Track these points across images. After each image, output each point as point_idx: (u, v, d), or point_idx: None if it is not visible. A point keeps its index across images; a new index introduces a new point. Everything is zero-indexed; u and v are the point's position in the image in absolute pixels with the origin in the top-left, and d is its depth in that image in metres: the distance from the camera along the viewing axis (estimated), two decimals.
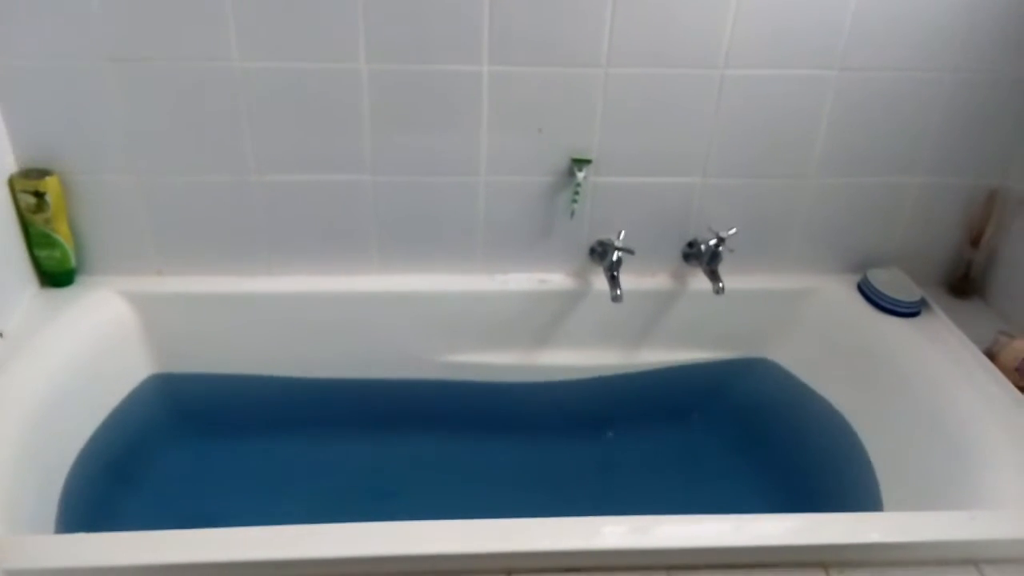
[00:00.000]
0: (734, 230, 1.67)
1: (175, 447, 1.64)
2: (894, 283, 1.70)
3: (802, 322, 1.76)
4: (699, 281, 1.72)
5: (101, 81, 1.46)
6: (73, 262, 1.60)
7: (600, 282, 1.71)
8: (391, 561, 1.10)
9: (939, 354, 1.55)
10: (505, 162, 1.61)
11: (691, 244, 1.73)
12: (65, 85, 1.46)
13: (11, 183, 1.50)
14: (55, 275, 1.60)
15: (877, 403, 1.59)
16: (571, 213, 1.66)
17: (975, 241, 1.74)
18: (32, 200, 1.49)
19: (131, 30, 1.42)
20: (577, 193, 1.62)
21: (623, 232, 1.66)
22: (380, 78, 1.50)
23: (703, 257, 1.69)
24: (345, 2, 1.43)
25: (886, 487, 1.48)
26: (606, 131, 1.59)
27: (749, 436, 1.76)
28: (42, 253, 1.57)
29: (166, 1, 1.40)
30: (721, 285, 1.65)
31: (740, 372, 1.81)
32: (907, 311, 1.65)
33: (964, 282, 1.79)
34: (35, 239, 1.55)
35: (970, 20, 1.53)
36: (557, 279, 1.73)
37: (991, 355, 1.54)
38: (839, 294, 1.74)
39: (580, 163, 1.60)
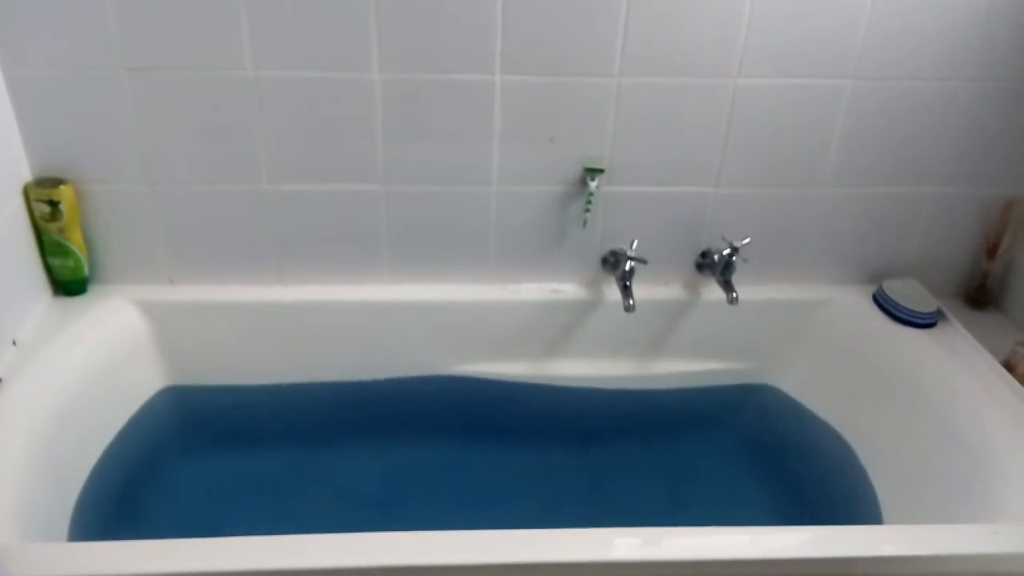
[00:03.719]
0: (748, 240, 1.66)
1: (187, 458, 1.64)
2: (910, 294, 1.69)
3: (817, 333, 1.75)
4: (713, 291, 1.71)
5: (116, 91, 1.47)
6: (86, 271, 1.61)
7: (613, 292, 1.70)
8: (400, 572, 1.09)
9: (956, 365, 1.53)
10: (517, 172, 1.60)
11: (704, 254, 1.72)
12: (80, 95, 1.47)
13: (26, 192, 1.50)
14: (68, 284, 1.60)
15: (892, 416, 1.57)
16: (584, 223, 1.65)
17: (992, 251, 1.73)
18: (46, 209, 1.50)
19: (146, 40, 1.43)
20: (590, 202, 1.62)
21: (636, 242, 1.65)
22: (393, 88, 1.50)
23: (716, 267, 1.68)
24: (358, 12, 1.43)
25: (887, 504, 1.48)
26: (618, 140, 1.58)
27: (761, 452, 1.74)
28: (56, 262, 1.57)
29: (181, 11, 1.41)
30: (735, 295, 1.64)
31: (753, 383, 1.80)
32: (923, 322, 1.64)
33: (981, 293, 1.77)
34: (49, 248, 1.55)
35: (985, 29, 1.52)
36: (569, 289, 1.73)
37: (1009, 366, 1.52)
38: (854, 305, 1.73)
39: (593, 172, 1.60)
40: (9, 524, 1.15)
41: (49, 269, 1.59)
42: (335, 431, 1.71)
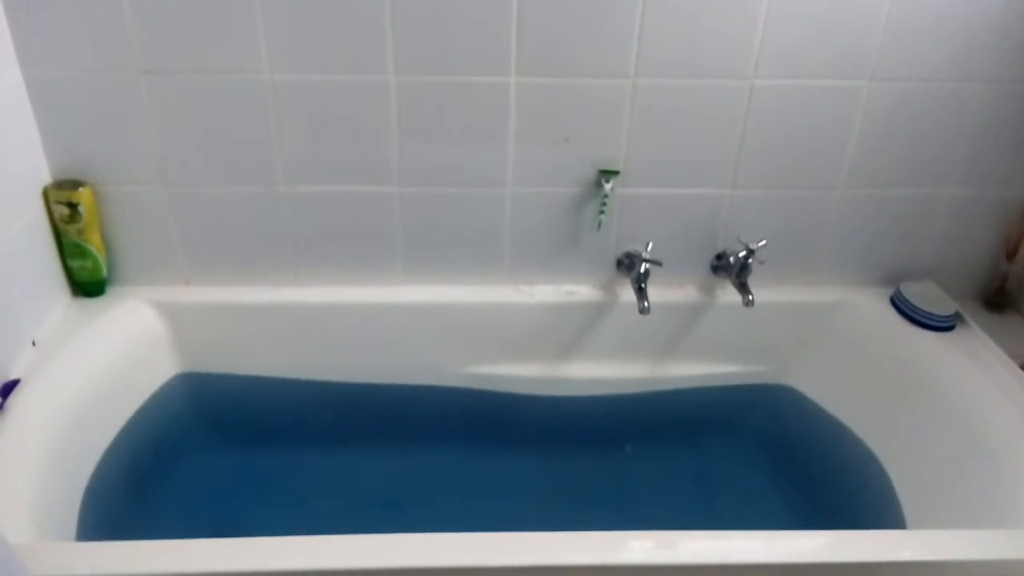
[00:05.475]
0: (764, 242, 1.65)
1: (199, 453, 1.65)
2: (928, 296, 1.67)
3: (834, 335, 1.74)
4: (728, 293, 1.70)
5: (134, 93, 1.48)
6: (105, 272, 1.62)
7: (627, 294, 1.70)
8: (409, 574, 1.09)
9: (975, 369, 1.51)
10: (532, 173, 1.60)
11: (720, 256, 1.71)
12: (99, 97, 1.48)
13: (45, 194, 1.52)
14: (87, 285, 1.62)
15: (910, 420, 1.56)
16: (598, 224, 1.65)
17: (1011, 254, 1.71)
18: (65, 211, 1.52)
19: (164, 43, 1.44)
20: (604, 204, 1.62)
21: (651, 244, 1.65)
22: (408, 90, 1.51)
23: (732, 269, 1.67)
24: (373, 14, 1.44)
25: (909, 508, 1.47)
26: (634, 142, 1.58)
27: (776, 455, 1.73)
28: (75, 263, 1.59)
29: (198, 15, 1.42)
30: (751, 297, 1.63)
31: (770, 386, 1.79)
32: (942, 325, 1.62)
33: (1000, 295, 1.75)
34: (68, 249, 1.57)
35: (1003, 29, 1.50)
36: (584, 291, 1.72)
37: None
38: (872, 307, 1.72)
39: (607, 174, 1.59)
40: (26, 523, 1.16)
41: (68, 271, 1.60)
42: (347, 431, 1.72)
